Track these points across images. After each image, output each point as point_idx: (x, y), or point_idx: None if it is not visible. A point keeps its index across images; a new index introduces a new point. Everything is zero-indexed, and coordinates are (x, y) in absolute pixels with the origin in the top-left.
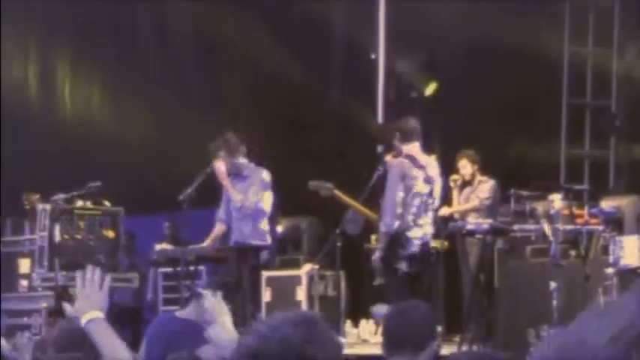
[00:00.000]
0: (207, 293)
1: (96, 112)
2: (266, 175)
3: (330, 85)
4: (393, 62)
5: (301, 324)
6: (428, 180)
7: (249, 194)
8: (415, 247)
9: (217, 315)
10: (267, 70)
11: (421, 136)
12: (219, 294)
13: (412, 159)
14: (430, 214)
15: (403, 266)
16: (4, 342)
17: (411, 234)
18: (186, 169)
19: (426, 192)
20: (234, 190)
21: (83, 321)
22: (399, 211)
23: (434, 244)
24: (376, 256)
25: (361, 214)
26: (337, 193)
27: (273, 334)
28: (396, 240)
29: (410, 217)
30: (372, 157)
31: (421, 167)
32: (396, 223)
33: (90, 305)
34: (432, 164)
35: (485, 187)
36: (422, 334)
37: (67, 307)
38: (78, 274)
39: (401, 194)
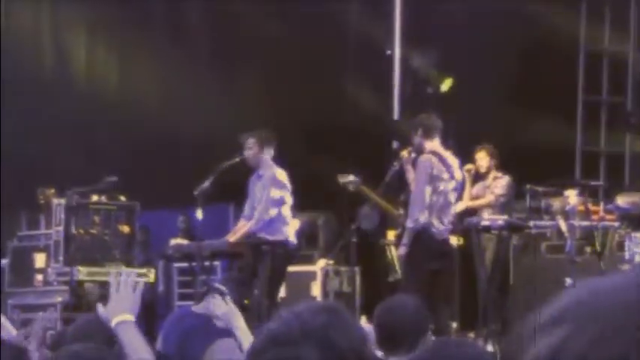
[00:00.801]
0: (217, 300)
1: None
2: (279, 173)
3: (346, 80)
4: (408, 58)
5: (323, 311)
6: (452, 177)
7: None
8: (439, 243)
9: (232, 320)
10: (281, 65)
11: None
12: (229, 298)
13: (438, 155)
14: (452, 211)
15: (427, 263)
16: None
17: (436, 231)
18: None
19: (451, 189)
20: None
21: (113, 322)
22: (426, 207)
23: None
24: (401, 251)
25: (383, 209)
26: (364, 188)
27: (294, 320)
28: (422, 236)
29: (435, 214)
30: (388, 153)
31: (447, 164)
32: (423, 219)
33: (122, 308)
34: (455, 162)
35: (501, 183)
36: (415, 330)
37: (99, 307)
38: (112, 276)
39: (429, 190)
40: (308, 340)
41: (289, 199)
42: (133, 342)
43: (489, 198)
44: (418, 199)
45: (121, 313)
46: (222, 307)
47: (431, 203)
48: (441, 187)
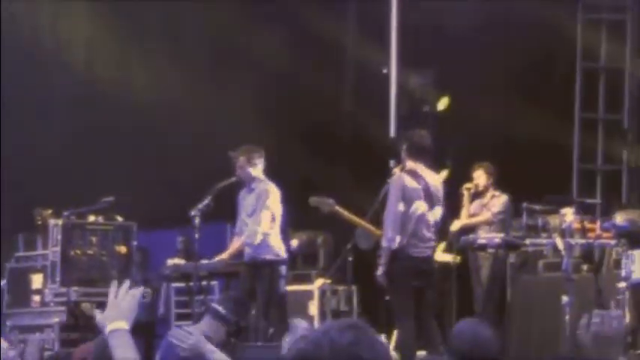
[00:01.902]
0: (179, 334)
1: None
2: (271, 188)
3: (343, 99)
4: (405, 77)
5: (350, 328)
6: (429, 196)
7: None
8: (416, 261)
9: (201, 350)
10: (279, 83)
11: (431, 151)
12: (191, 328)
13: (413, 173)
14: (431, 229)
15: (407, 281)
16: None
17: (411, 249)
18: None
19: (426, 207)
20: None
21: (108, 329)
22: (400, 225)
23: (446, 258)
24: (379, 271)
25: (365, 229)
26: (338, 209)
27: (323, 338)
28: (399, 255)
29: (412, 232)
30: (386, 172)
31: (422, 181)
32: (397, 238)
33: (117, 315)
34: (437, 183)
35: (499, 201)
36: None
37: (97, 314)
38: (112, 284)
39: (401, 208)
40: (337, 357)
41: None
42: (124, 350)
43: (486, 216)
44: (390, 218)
45: (116, 321)
46: (187, 339)
47: (407, 222)
48: (415, 203)
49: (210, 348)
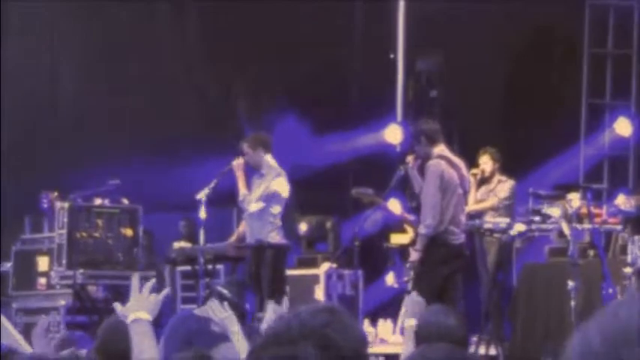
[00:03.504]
0: (215, 305)
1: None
2: (280, 172)
3: (350, 84)
4: (412, 62)
5: (323, 311)
6: (462, 179)
7: (252, 196)
8: (452, 247)
9: (229, 326)
10: (286, 67)
11: (442, 132)
12: (225, 305)
13: (446, 159)
14: (464, 213)
15: (441, 268)
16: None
17: (452, 236)
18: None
19: (461, 192)
20: (243, 184)
21: (130, 319)
22: (440, 212)
23: None
24: (413, 257)
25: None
26: (378, 199)
27: (294, 319)
28: (437, 242)
29: (448, 218)
30: (392, 157)
31: (456, 167)
32: (436, 225)
33: (140, 306)
34: (462, 164)
35: (505, 187)
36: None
37: (117, 306)
38: (135, 277)
39: (439, 195)
40: (307, 338)
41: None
42: (144, 340)
43: (493, 201)
44: (429, 204)
45: (138, 311)
46: (220, 313)
47: (446, 208)
48: (454, 191)
49: (237, 329)
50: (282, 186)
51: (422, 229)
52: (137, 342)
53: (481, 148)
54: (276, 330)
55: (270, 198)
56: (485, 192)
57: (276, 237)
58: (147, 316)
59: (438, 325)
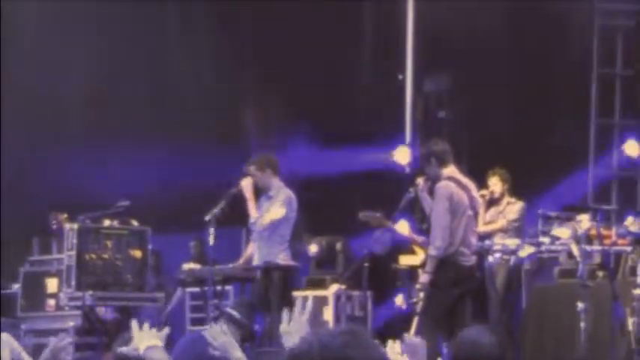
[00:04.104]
0: (214, 330)
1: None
2: (290, 194)
3: (358, 104)
4: (420, 82)
5: (343, 332)
6: (471, 201)
7: (265, 215)
8: (463, 270)
9: (229, 351)
10: (294, 88)
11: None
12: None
13: (456, 181)
14: (475, 235)
15: (451, 290)
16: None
17: (463, 258)
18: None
19: (471, 213)
20: (253, 206)
21: (142, 348)
22: (450, 234)
23: None
24: (424, 279)
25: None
26: (387, 222)
27: (315, 339)
28: (445, 264)
29: (458, 240)
30: (401, 178)
31: (466, 188)
32: (446, 247)
33: (148, 336)
34: (472, 185)
35: (514, 208)
36: None
37: (123, 349)
38: (133, 323)
39: (449, 217)
40: (328, 359)
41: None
42: None
43: (502, 223)
44: (439, 226)
45: (148, 340)
46: (219, 337)
47: (456, 230)
48: (464, 212)
49: (238, 354)
50: (288, 209)
51: (432, 251)
52: None
53: (490, 169)
54: (297, 350)
55: (278, 222)
56: (495, 213)
57: (284, 258)
58: (159, 342)
59: (475, 344)
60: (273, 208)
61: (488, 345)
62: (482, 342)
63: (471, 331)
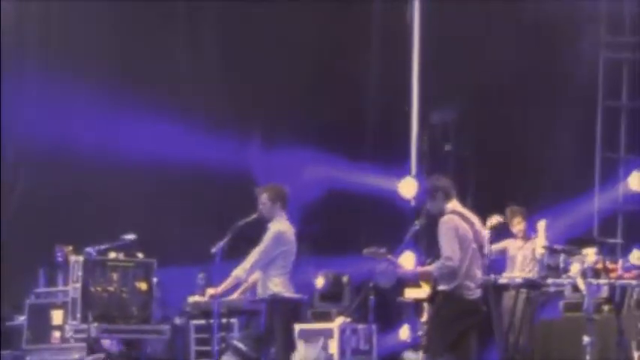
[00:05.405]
0: None
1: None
2: (279, 230)
3: (365, 136)
4: (426, 115)
5: None
6: (475, 234)
7: (247, 259)
8: (467, 304)
9: None
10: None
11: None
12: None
13: (460, 214)
14: (481, 268)
15: (457, 324)
16: None
17: (464, 291)
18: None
19: (475, 246)
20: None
21: None
22: (458, 250)
23: None
24: (423, 269)
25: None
26: (391, 258)
27: None
28: (451, 297)
29: (463, 272)
30: (405, 210)
31: (470, 222)
32: (454, 280)
33: None
34: (475, 219)
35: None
36: None
37: None
38: None
39: (457, 242)
40: None
41: (292, 255)
42: None
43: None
44: (449, 247)
45: None
46: None
47: (461, 262)
48: (469, 245)
49: None
50: (270, 246)
51: (441, 261)
52: None
53: (508, 207)
54: None
55: (262, 260)
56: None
57: (278, 283)
58: None
59: None
60: (258, 247)
61: None
62: None
63: None
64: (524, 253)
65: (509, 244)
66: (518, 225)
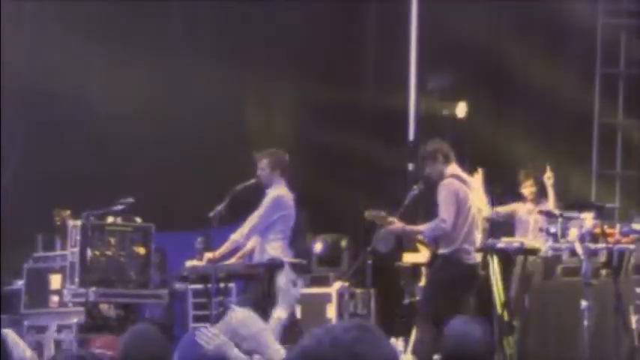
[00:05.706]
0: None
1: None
2: (277, 195)
3: (363, 102)
4: (424, 80)
5: (353, 328)
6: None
7: (245, 224)
8: (466, 268)
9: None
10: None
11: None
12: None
13: (459, 178)
14: (478, 231)
15: (453, 287)
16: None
17: (464, 255)
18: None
19: (475, 210)
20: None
21: None
22: (454, 231)
23: None
24: (415, 228)
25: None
26: (392, 220)
27: (325, 335)
28: (449, 261)
29: (462, 236)
30: (405, 176)
31: (470, 186)
32: (452, 244)
33: None
34: (474, 183)
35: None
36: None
37: None
38: None
39: (455, 206)
40: (338, 354)
41: (291, 220)
42: None
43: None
44: (445, 210)
45: None
46: (212, 341)
47: (460, 226)
48: (468, 210)
49: (235, 353)
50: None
51: (436, 221)
52: None
53: (521, 170)
54: (308, 346)
55: (260, 224)
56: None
57: (276, 247)
58: None
59: (463, 336)
60: (256, 211)
61: (476, 336)
62: (470, 333)
63: (459, 322)
64: (536, 217)
65: (519, 208)
66: (530, 187)
